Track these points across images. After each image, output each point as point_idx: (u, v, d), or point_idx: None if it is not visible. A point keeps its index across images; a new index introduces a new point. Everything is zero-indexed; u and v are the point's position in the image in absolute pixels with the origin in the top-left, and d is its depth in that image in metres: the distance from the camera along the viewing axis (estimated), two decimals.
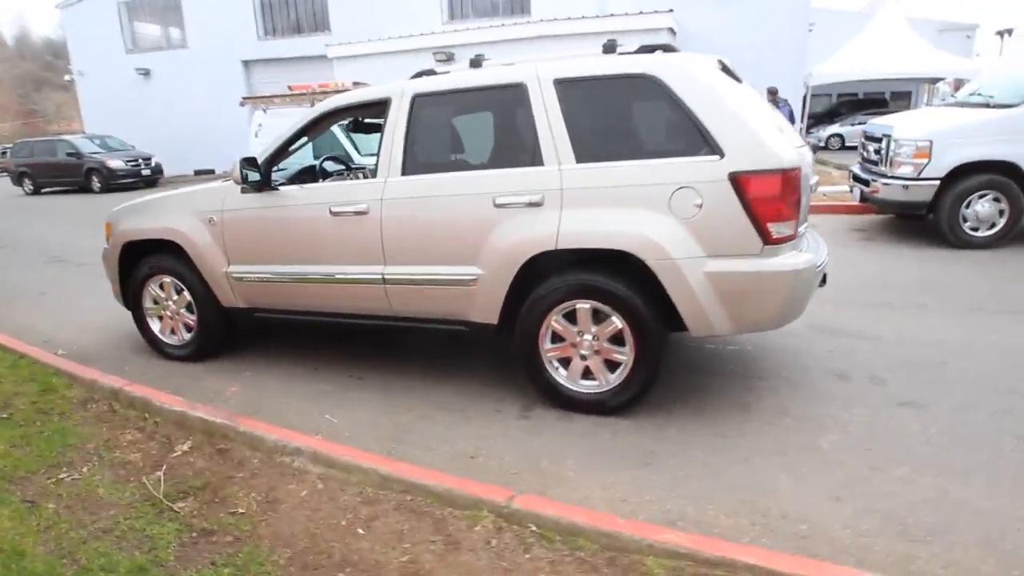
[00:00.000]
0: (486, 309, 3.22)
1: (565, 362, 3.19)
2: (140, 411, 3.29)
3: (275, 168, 3.78)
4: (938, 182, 6.18)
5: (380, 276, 3.39)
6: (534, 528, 2.18)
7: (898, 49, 15.56)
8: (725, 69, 2.97)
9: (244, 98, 12.27)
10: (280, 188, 3.67)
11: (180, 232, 3.91)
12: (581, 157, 2.96)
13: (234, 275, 3.82)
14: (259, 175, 3.60)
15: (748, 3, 15.84)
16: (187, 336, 4.16)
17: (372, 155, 4.95)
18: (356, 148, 10.70)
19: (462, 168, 3.22)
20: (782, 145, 2.75)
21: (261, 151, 3.69)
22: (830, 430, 2.93)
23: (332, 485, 2.54)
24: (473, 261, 3.18)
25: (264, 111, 11.83)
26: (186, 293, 4.06)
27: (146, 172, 18.20)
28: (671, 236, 2.81)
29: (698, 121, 2.77)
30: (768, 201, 2.71)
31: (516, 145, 3.14)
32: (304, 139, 3.80)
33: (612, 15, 14.18)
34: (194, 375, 3.94)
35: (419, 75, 3.48)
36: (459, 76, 3.29)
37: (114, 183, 17.38)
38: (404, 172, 3.31)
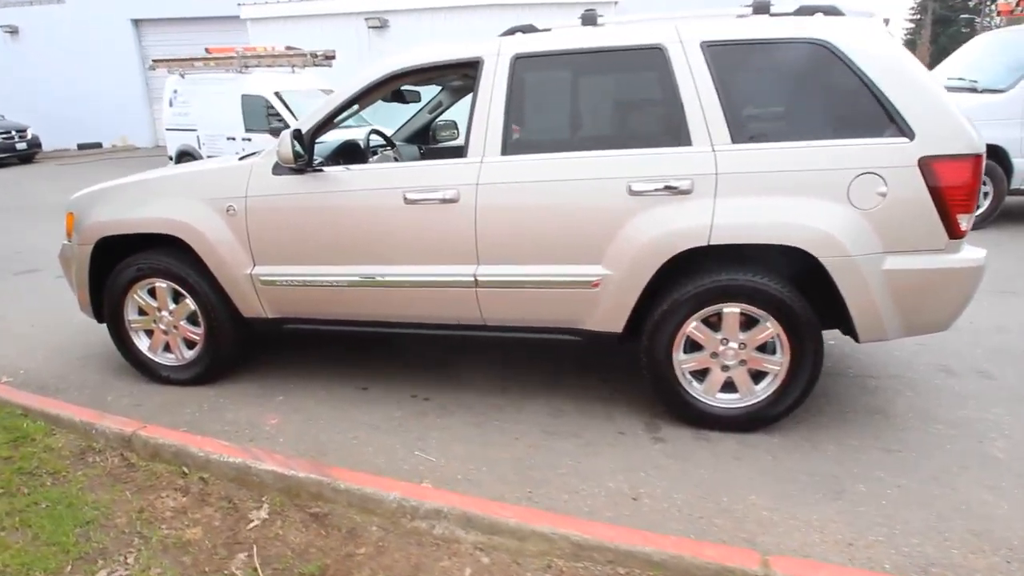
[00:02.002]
0: (610, 315, 2.72)
1: (698, 374, 2.78)
2: (173, 464, 2.50)
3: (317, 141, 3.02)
4: None
5: (471, 278, 2.79)
6: None
7: None
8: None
9: (155, 61, 10.65)
10: (326, 169, 2.93)
11: (185, 224, 3.07)
12: (738, 136, 2.51)
13: (262, 278, 3.05)
14: (303, 152, 2.85)
15: None
16: (189, 354, 3.32)
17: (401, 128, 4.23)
18: (294, 115, 9.60)
19: (582, 147, 2.66)
20: (971, 125, 2.45)
21: (302, 120, 2.92)
22: (990, 436, 2.72)
23: (502, 559, 1.98)
24: (597, 259, 2.66)
25: (182, 76, 10.35)
26: (188, 300, 3.22)
27: (21, 146, 15.62)
28: (850, 229, 2.44)
29: (882, 96, 2.40)
30: (960, 190, 2.40)
31: (652, 121, 2.64)
32: (355, 107, 3.06)
33: None
34: (210, 404, 3.14)
35: (511, 32, 2.86)
36: (571, 35, 2.71)
37: None
38: (505, 151, 2.71)
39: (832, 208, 2.45)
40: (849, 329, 2.64)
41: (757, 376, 2.72)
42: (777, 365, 2.66)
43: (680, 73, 2.54)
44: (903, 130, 2.40)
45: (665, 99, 2.58)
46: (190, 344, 3.33)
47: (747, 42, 2.52)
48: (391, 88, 3.09)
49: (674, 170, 2.54)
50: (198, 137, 10.35)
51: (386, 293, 2.92)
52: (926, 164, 2.38)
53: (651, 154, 2.57)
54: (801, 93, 2.54)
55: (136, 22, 19.01)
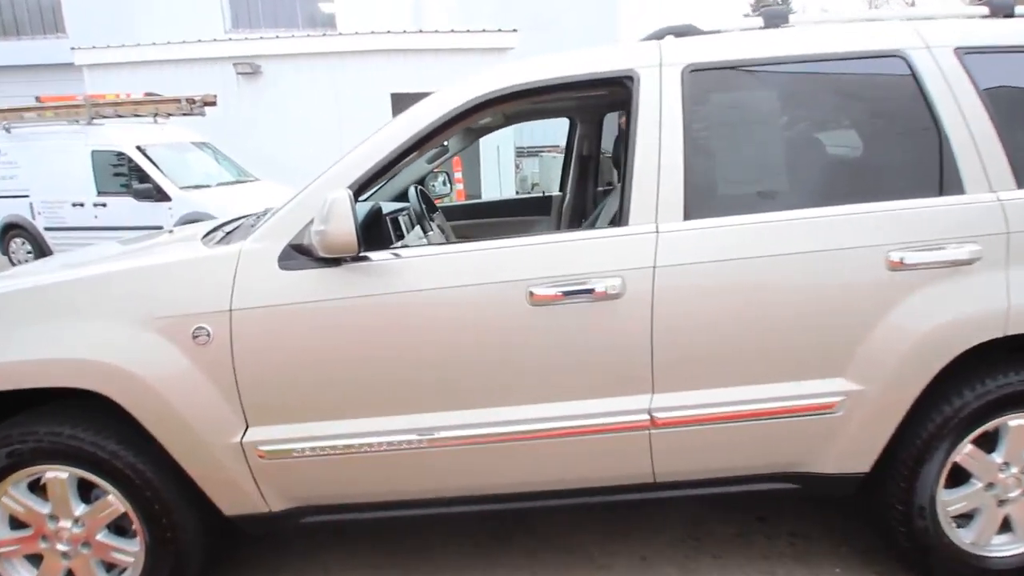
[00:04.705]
0: (855, 449, 1.80)
1: (962, 516, 1.93)
2: None
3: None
4: None
5: (644, 415, 1.74)
6: None
7: None
8: None
9: None
10: (375, 258, 1.76)
11: (109, 367, 1.70)
12: (1023, 178, 1.76)
13: (264, 447, 1.76)
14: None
15: (563, 30, 16.04)
16: None
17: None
18: (163, 173, 7.83)
19: (801, 203, 1.76)
20: None
21: (332, 176, 1.72)
22: None
23: None
24: (839, 370, 1.75)
25: (6, 130, 8.16)
26: (113, 497, 1.81)
27: None
28: None
29: None
30: None
31: (899, 159, 1.81)
32: (414, 153, 1.92)
33: (453, 31, 13.04)
34: None
35: (659, 36, 1.92)
36: (759, 40, 1.84)
37: None
38: (689, 215, 1.74)
39: None
40: None
41: None
42: None
43: (936, 90, 1.76)
44: None
45: (915, 127, 1.77)
46: (108, 568, 1.90)
47: (1015, 48, 1.81)
48: (479, 119, 2.02)
49: (951, 229, 1.72)
50: (31, 204, 8.17)
51: (498, 451, 1.77)
52: None
53: (914, 209, 1.73)
54: None
55: None
